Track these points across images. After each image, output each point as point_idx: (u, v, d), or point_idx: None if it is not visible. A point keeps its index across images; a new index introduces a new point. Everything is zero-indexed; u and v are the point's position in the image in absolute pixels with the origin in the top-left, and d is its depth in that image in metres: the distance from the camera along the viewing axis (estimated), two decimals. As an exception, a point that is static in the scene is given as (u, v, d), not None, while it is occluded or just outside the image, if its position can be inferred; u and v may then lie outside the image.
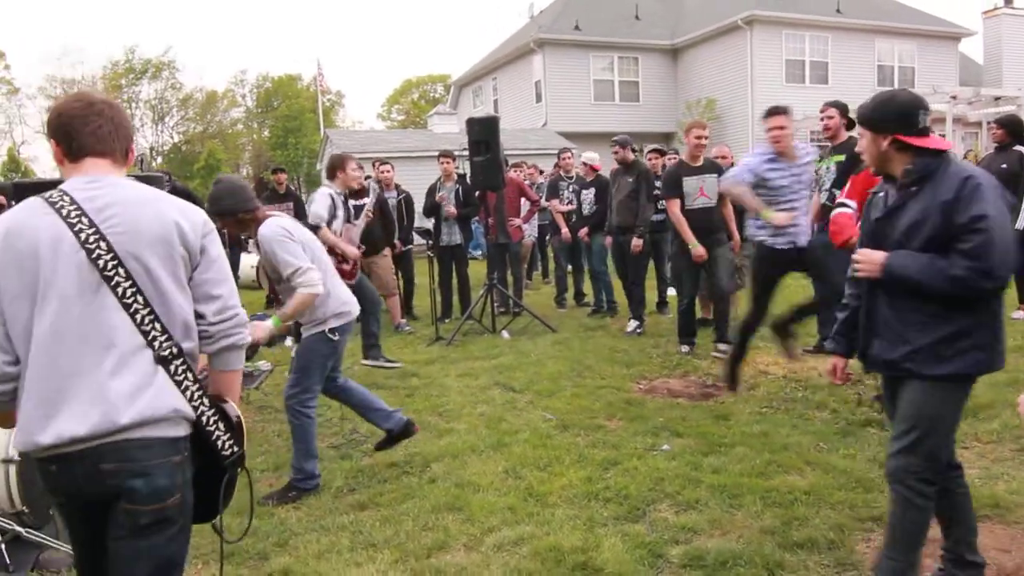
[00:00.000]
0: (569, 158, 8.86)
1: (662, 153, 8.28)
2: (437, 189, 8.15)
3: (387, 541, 3.21)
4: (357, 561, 3.05)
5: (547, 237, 10.15)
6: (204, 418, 1.82)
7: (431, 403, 5.18)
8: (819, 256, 4.94)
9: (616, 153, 7.27)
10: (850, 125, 5.62)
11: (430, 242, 7.96)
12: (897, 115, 2.31)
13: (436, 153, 8.60)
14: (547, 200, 8.69)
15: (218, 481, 1.88)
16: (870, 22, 22.21)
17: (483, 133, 7.16)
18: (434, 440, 4.42)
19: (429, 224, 8.18)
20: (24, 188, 5.04)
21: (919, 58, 22.85)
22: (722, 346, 6.04)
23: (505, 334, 7.24)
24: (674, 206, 6.12)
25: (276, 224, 3.56)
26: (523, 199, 8.50)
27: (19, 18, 60.51)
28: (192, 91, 50.00)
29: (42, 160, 41.92)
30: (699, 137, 6.22)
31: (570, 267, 9.04)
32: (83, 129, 1.83)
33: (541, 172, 11.17)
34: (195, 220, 1.86)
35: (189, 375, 1.79)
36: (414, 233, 8.59)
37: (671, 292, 8.99)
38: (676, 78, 23.70)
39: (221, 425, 1.85)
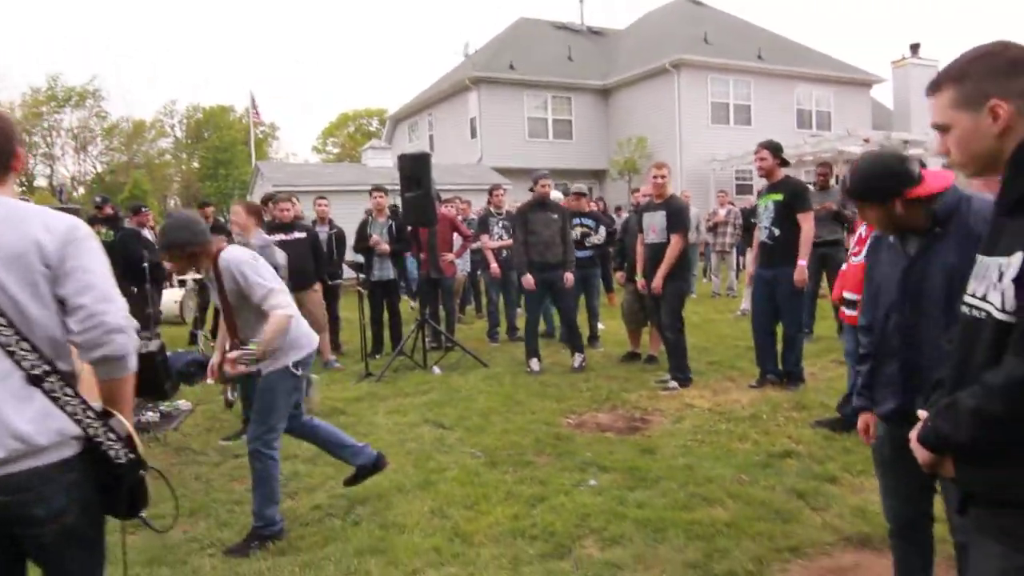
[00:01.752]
0: (501, 194, 8.95)
1: (579, 196, 8.16)
2: (369, 224, 8.10)
3: (306, 588, 3.11)
4: (273, 610, 2.93)
5: (478, 272, 10.19)
6: (91, 431, 1.77)
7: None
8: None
9: (544, 188, 7.12)
10: (783, 164, 5.93)
11: (361, 276, 7.86)
12: (895, 177, 2.21)
13: (369, 187, 8.56)
14: (478, 235, 8.73)
15: (121, 488, 1.86)
16: (789, 68, 23.42)
17: (415, 169, 7.17)
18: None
19: (360, 258, 8.10)
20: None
21: (835, 102, 24.16)
22: (671, 383, 6.21)
23: (436, 369, 7.18)
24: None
25: (239, 249, 3.54)
26: (455, 234, 8.51)
27: (-69, 41, 57.89)
28: (118, 120, 48.69)
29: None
30: (655, 177, 6.49)
31: (502, 301, 9.07)
32: None
33: (468, 205, 11.29)
34: (57, 231, 1.78)
35: (68, 391, 1.75)
36: (344, 267, 8.51)
37: (600, 326, 9.15)
38: (608, 117, 24.36)
39: (111, 435, 1.80)
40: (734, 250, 11.87)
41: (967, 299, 1.59)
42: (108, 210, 9.53)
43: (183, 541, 3.60)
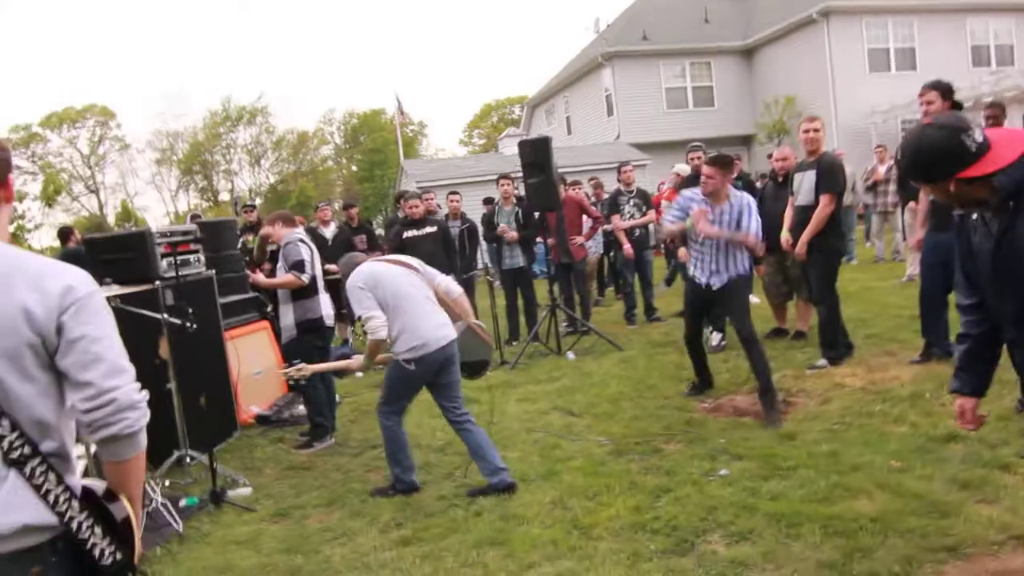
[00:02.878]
0: (630, 171, 8.67)
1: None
2: (496, 213, 8.14)
3: (426, 579, 3.16)
4: (392, 601, 3.00)
5: (611, 253, 9.98)
6: (73, 524, 1.52)
7: (487, 431, 5.09)
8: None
9: (696, 161, 7.05)
10: (956, 107, 5.12)
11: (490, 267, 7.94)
12: (941, 158, 1.88)
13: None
14: (609, 216, 8.53)
15: None
16: (958, 0, 20.86)
17: (535, 154, 7.11)
18: (486, 470, 4.34)
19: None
20: (94, 242, 5.36)
21: (1017, 33, 21.24)
22: (820, 361, 5.73)
23: (570, 355, 7.11)
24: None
25: (356, 275, 4.15)
26: (584, 216, 8.36)
27: (124, 78, 65.45)
28: (284, 133, 52.58)
29: (152, 209, 45.01)
30: (806, 131, 5.93)
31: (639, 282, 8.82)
32: None
33: (601, 188, 11.07)
34: (50, 295, 1.50)
35: (51, 476, 1.51)
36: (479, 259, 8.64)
37: (755, 300, 8.65)
38: (751, 78, 23.01)
39: (97, 530, 1.56)
40: (897, 210, 10.75)
41: None
42: (251, 216, 9.74)
43: (317, 531, 3.79)
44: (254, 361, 6.28)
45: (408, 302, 4.09)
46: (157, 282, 4.90)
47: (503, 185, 8.18)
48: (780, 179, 6.66)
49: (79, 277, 1.58)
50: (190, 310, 4.56)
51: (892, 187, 10.58)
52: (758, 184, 8.51)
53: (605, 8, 70.11)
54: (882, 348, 6.03)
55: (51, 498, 1.50)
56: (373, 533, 3.69)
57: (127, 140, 47.05)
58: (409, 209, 7.57)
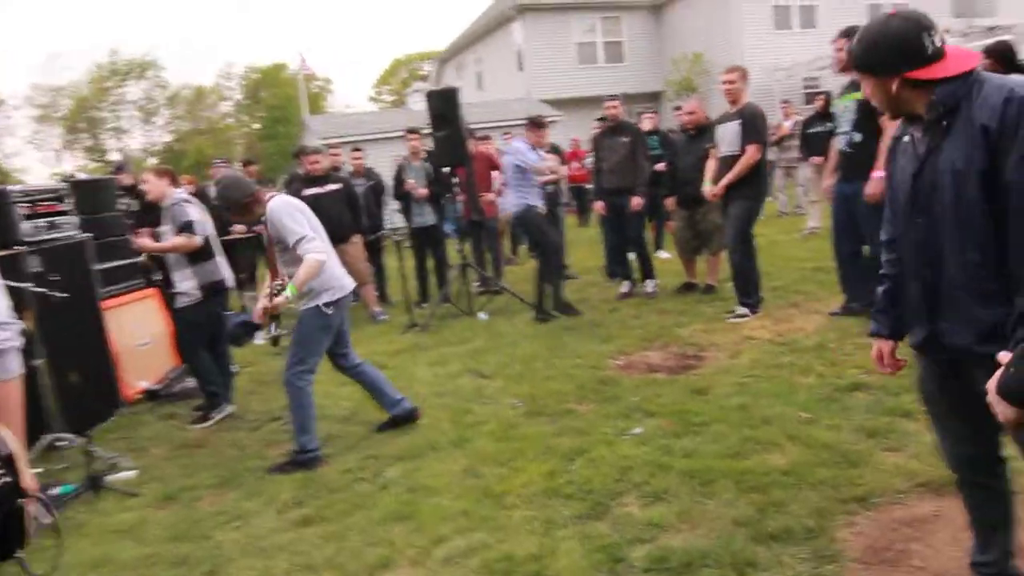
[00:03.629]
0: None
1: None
2: (404, 169, 7.79)
3: (328, 561, 2.93)
4: (289, 588, 2.77)
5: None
6: None
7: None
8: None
9: (613, 108, 7.00)
10: None
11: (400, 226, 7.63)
12: (897, 49, 1.77)
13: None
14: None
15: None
16: (857, -41, 21.43)
17: (442, 106, 6.78)
18: (393, 439, 4.14)
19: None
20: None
21: (910, -7, 22.10)
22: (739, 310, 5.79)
23: (482, 316, 6.93)
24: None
25: (283, 199, 4.04)
26: (494, 172, 8.12)
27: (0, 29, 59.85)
28: (179, 88, 49.47)
29: (34, 171, 41.71)
30: (724, 82, 5.89)
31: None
32: None
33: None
34: None
35: None
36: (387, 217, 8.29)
37: (665, 255, 8.71)
38: (661, 35, 23.08)
39: None
40: (800, 165, 11.03)
41: None
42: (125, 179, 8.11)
43: (209, 514, 3.50)
44: (140, 331, 5.79)
45: (324, 242, 4.02)
46: (19, 247, 4.39)
47: (411, 140, 7.83)
48: (692, 132, 6.60)
49: None
50: (56, 277, 4.09)
51: (796, 142, 10.81)
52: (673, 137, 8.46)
53: (515, -39, 68.87)
54: (787, 300, 6.14)
55: None
56: (271, 514, 3.42)
57: (1, 95, 43.11)
58: (310, 165, 7.12)
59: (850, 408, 3.70)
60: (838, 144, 5.15)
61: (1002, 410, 1.33)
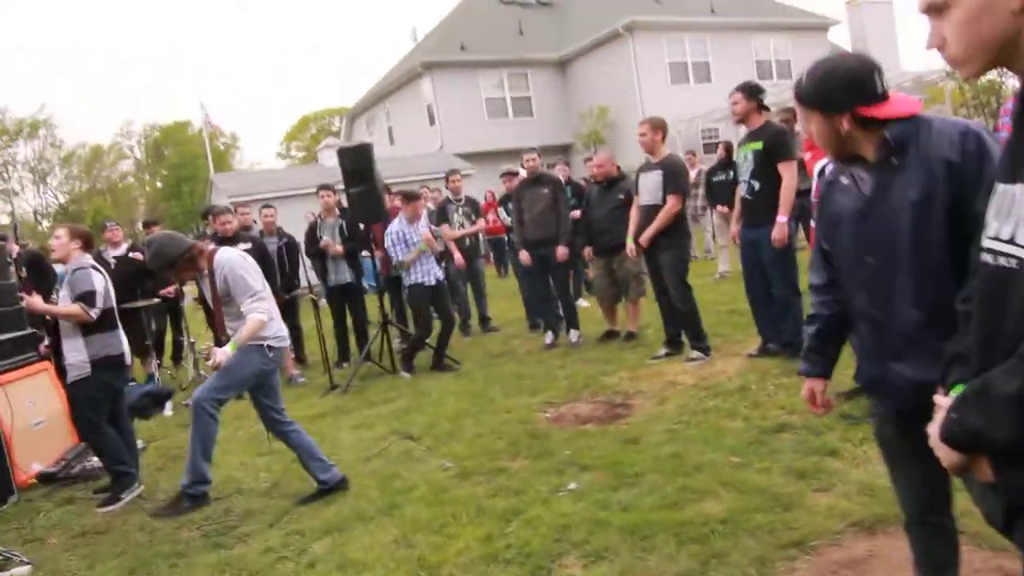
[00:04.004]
0: (458, 180, 8.49)
1: (513, 175, 8.12)
2: (319, 227, 7.63)
3: (251, 654, 2.70)
4: None
5: (442, 264, 9.74)
6: None
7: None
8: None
9: (532, 161, 7.17)
10: (762, 107, 5.33)
11: (316, 284, 7.42)
12: (850, 85, 1.78)
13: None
14: (437, 226, 8.27)
15: None
16: (744, 19, 22.98)
17: (357, 162, 6.71)
18: (318, 511, 3.91)
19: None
20: None
21: (793, 50, 23.76)
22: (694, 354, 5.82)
23: (404, 374, 6.76)
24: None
25: (234, 252, 4.02)
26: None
27: None
28: (75, 148, 47.45)
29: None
30: (640, 134, 6.05)
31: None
32: None
33: (438, 192, 10.83)
34: None
35: None
36: (302, 276, 8.04)
37: (584, 303, 8.79)
38: (567, 89, 23.86)
39: None
40: (706, 211, 11.48)
41: (989, 244, 1.20)
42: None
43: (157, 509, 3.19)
44: (33, 409, 5.33)
45: (268, 293, 4.08)
46: None
47: (324, 197, 7.69)
48: (604, 183, 6.75)
49: None
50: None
51: (701, 190, 11.25)
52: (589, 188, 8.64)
53: (422, 18, 70.33)
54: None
55: None
56: (185, 604, 3.16)
57: None
58: (220, 226, 6.87)
59: (778, 450, 3.76)
60: (740, 192, 5.40)
61: (944, 455, 1.33)
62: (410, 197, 6.84)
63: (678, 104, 20.85)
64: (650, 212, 5.90)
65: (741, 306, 6.33)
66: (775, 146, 5.13)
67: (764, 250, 5.18)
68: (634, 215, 6.16)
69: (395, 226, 6.71)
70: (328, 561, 3.32)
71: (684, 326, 5.96)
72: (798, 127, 7.95)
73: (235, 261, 3.95)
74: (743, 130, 5.54)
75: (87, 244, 4.71)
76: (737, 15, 22.99)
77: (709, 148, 20.79)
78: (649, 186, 5.93)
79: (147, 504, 4.48)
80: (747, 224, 5.35)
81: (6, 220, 42.23)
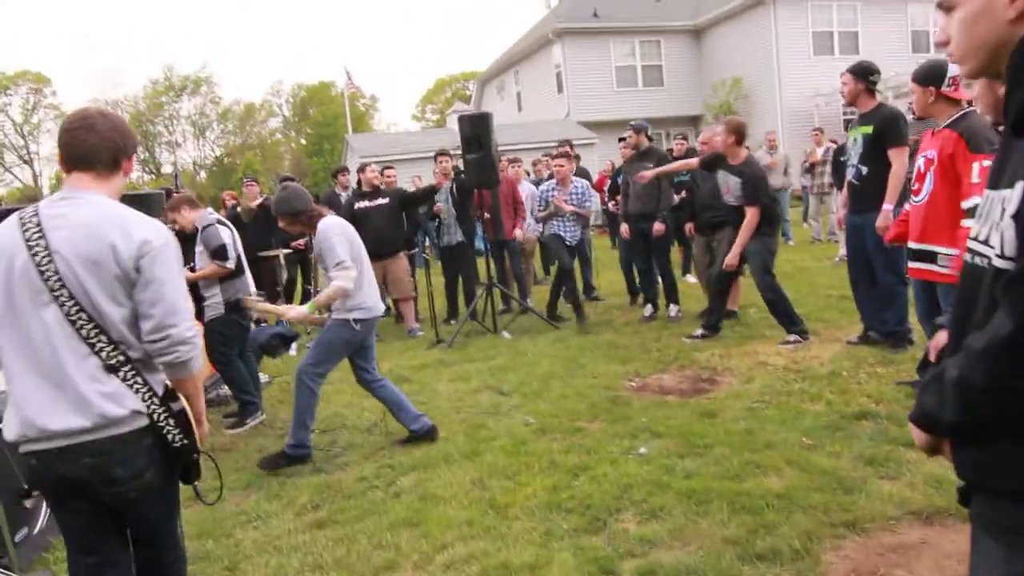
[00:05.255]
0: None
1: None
2: (437, 190, 8.03)
3: (337, 562, 3.11)
4: (299, 585, 2.95)
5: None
6: (155, 415, 2.07)
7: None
8: None
9: (630, 138, 7.23)
10: (871, 90, 5.12)
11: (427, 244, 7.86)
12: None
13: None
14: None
15: (178, 464, 2.19)
16: (901, -14, 21.30)
17: (475, 129, 7.00)
18: (409, 450, 4.31)
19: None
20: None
21: (956, 20, 21.81)
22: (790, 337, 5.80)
23: (505, 334, 7.09)
24: None
25: (335, 221, 4.26)
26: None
27: (61, 43, 62.54)
28: (230, 104, 51.06)
29: (88, 181, 43.13)
30: (718, 137, 6.14)
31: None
32: (72, 142, 2.07)
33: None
34: (132, 241, 2.00)
35: (139, 379, 2.04)
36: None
37: (691, 279, 8.77)
38: (700, 59, 23.16)
39: (171, 421, 2.09)
40: (833, 191, 11.00)
41: (970, 244, 1.29)
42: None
43: (232, 514, 3.70)
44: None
45: (363, 265, 4.27)
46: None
47: (441, 161, 8.07)
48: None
49: (159, 231, 2.08)
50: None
51: (828, 168, 10.79)
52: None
53: (559, -16, 69.68)
54: (808, 327, 6.15)
55: (140, 395, 2.04)
56: (288, 516, 3.62)
57: (63, 108, 45.00)
58: (367, 175, 7.48)
59: (853, 436, 3.76)
60: (848, 175, 5.24)
61: (916, 436, 1.43)
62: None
63: (819, 76, 19.78)
64: (732, 210, 6.00)
65: (850, 292, 6.15)
66: (886, 130, 4.93)
67: (869, 237, 5.02)
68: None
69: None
70: (411, 493, 3.70)
71: (774, 315, 5.91)
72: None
73: (331, 230, 4.14)
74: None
75: (191, 204, 5.35)
76: (894, -19, 21.34)
77: (848, 126, 19.65)
78: (731, 185, 5.94)
79: (267, 431, 5.08)
80: (853, 210, 5.19)
81: (169, 169, 46.49)
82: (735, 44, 21.71)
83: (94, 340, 1.99)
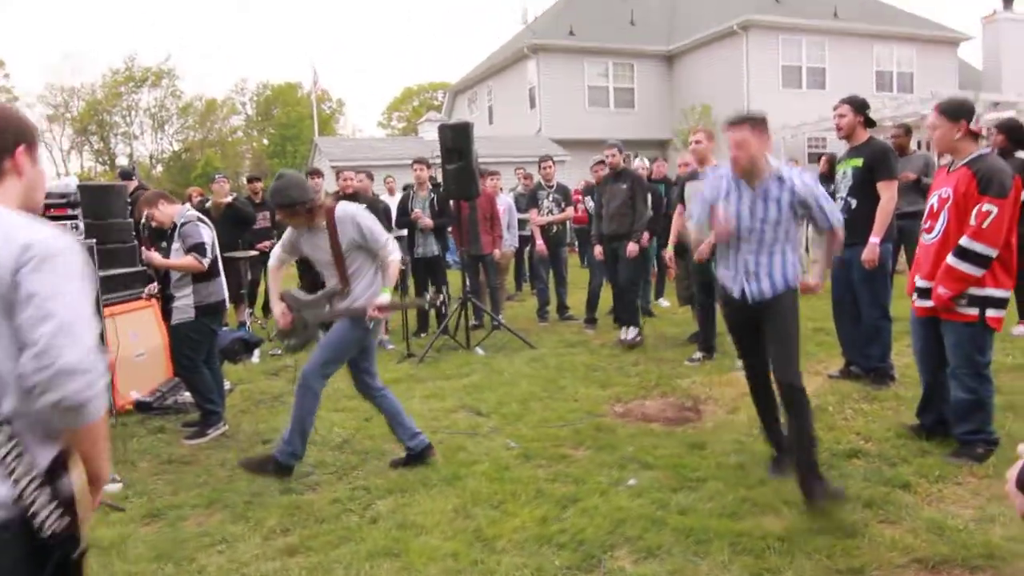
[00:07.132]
0: (550, 167, 8.53)
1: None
2: (411, 199, 7.84)
3: (312, 595, 2.88)
4: (271, 621, 2.71)
5: (527, 248, 9.84)
6: (25, 493, 1.43)
7: (388, 429, 4.83)
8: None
9: (611, 158, 7.12)
10: (868, 123, 5.10)
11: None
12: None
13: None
14: (526, 211, 8.37)
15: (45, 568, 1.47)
16: (868, 27, 21.93)
17: (456, 140, 6.85)
18: (385, 471, 4.09)
19: (402, 232, 7.87)
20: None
21: (918, 63, 22.56)
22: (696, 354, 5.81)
23: (479, 351, 6.90)
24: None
25: (356, 205, 4.02)
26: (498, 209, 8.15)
27: (19, 26, 60.50)
28: (192, 99, 49.86)
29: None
30: (692, 142, 6.00)
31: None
32: None
33: (530, 179, 10.89)
34: (11, 248, 1.43)
35: (11, 443, 1.43)
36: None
37: (665, 303, 8.72)
38: (671, 84, 23.43)
39: (42, 499, 1.45)
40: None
41: None
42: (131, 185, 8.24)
43: (194, 535, 3.43)
44: (137, 341, 5.75)
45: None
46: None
47: (417, 170, 7.88)
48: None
49: (52, 234, 1.51)
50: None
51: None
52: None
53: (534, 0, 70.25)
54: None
55: (7, 467, 1.42)
56: (256, 540, 3.36)
57: (15, 92, 43.37)
58: (344, 182, 7.20)
59: (847, 475, 3.68)
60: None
61: (1019, 502, 1.31)
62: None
63: (787, 109, 20.13)
64: None
65: (828, 324, 6.15)
66: (877, 164, 4.93)
67: (856, 270, 5.00)
68: (676, 223, 6.11)
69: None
70: (390, 520, 3.48)
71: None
72: (912, 144, 7.55)
73: (363, 212, 3.94)
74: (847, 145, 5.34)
75: (167, 199, 5.06)
76: (861, 21, 21.94)
77: (813, 158, 20.05)
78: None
79: (229, 443, 4.79)
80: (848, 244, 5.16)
81: (124, 160, 45.10)
82: (706, 72, 22.02)
83: None
